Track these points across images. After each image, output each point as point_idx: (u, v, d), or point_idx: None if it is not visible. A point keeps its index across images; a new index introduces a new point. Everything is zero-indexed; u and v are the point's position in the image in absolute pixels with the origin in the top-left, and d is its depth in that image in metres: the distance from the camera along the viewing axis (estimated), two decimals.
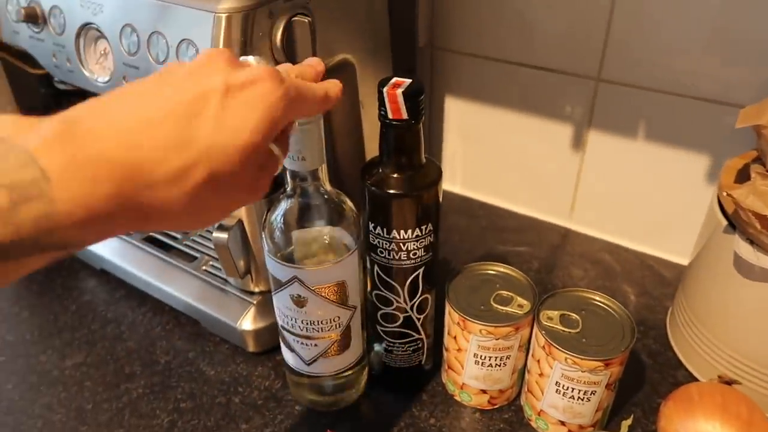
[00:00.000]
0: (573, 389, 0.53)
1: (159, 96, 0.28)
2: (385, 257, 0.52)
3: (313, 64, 0.38)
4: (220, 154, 0.28)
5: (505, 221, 0.87)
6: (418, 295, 0.54)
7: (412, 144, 0.48)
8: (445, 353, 0.60)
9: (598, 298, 0.56)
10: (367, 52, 0.66)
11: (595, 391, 0.53)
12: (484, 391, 0.59)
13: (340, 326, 0.54)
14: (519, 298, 0.56)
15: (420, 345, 0.59)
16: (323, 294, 0.51)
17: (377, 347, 0.60)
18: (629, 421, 0.52)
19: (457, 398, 0.61)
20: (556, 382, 0.53)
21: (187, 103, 0.28)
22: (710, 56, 0.65)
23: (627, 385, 0.62)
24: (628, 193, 0.78)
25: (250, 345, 0.65)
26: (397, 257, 0.51)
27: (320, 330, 0.53)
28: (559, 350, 0.51)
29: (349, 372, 0.59)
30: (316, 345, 0.55)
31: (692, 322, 0.62)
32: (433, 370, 0.63)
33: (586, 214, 0.83)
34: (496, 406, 0.60)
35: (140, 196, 0.27)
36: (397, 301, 0.54)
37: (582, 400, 0.53)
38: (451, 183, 0.93)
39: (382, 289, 0.54)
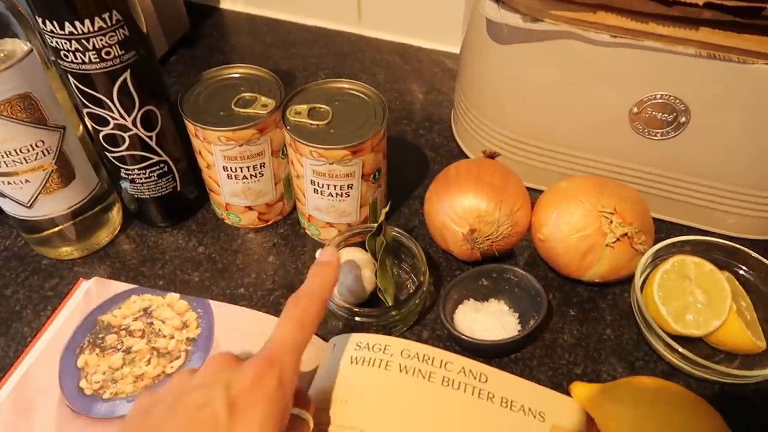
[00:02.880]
0: (328, 185, 0.49)
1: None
2: (72, 62, 0.42)
3: (323, 270, 0.39)
4: None
5: (293, 35, 0.78)
6: (137, 108, 0.46)
7: None
8: (202, 175, 0.54)
9: (351, 87, 0.51)
10: None
11: (352, 185, 0.49)
12: (250, 208, 0.54)
13: (49, 152, 0.46)
14: (263, 98, 0.49)
15: (166, 169, 0.52)
16: (4, 113, 0.42)
17: (123, 182, 0.52)
18: (386, 209, 0.49)
19: (226, 221, 0.57)
20: (311, 181, 0.49)
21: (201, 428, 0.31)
22: None
23: (409, 180, 0.60)
24: None
25: None
26: (86, 60, 0.42)
27: (24, 161, 0.45)
28: (303, 144, 0.46)
29: (95, 209, 0.52)
30: (27, 181, 0.46)
31: (465, 106, 0.59)
32: (202, 197, 0.58)
33: (374, 17, 0.76)
34: (269, 223, 0.56)
35: None
36: (113, 118, 0.46)
37: (341, 196, 0.50)
38: (232, 1, 0.82)
39: (89, 104, 0.45)
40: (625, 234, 0.46)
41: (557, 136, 0.53)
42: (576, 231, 0.47)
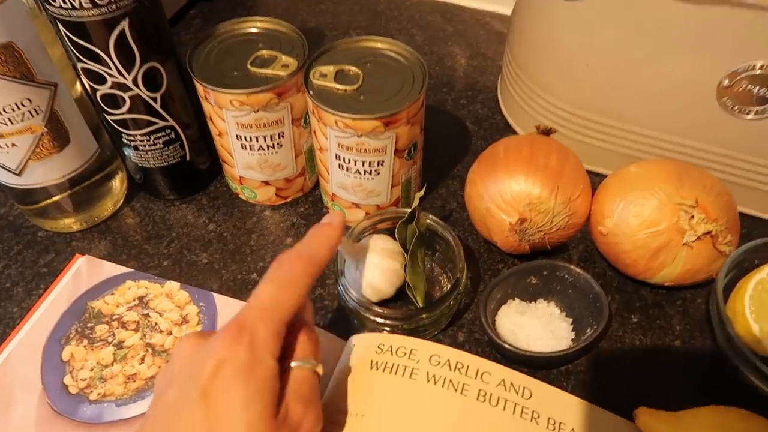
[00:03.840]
0: (355, 161, 0.42)
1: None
2: (61, 7, 0.36)
3: (322, 227, 0.34)
4: None
5: None
6: (137, 65, 0.40)
7: None
8: (215, 143, 0.48)
9: (386, 46, 0.44)
10: None
11: (383, 161, 0.42)
12: (266, 183, 0.48)
13: (38, 113, 0.40)
14: (284, 57, 0.43)
15: (173, 135, 0.45)
16: None
17: (126, 149, 0.46)
18: (421, 193, 0.42)
19: (241, 196, 0.50)
20: (336, 155, 0.42)
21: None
22: None
23: (447, 156, 0.53)
24: None
25: None
26: (77, 5, 0.36)
27: (9, 122, 0.39)
28: (328, 112, 0.39)
29: (94, 178, 0.46)
30: (14, 145, 0.41)
31: (515, 73, 0.52)
32: (214, 169, 0.52)
33: None
34: (288, 200, 0.50)
35: None
36: (110, 75, 0.40)
37: (369, 174, 0.43)
38: None
39: (83, 58, 0.39)
40: (709, 232, 0.38)
41: (627, 111, 0.45)
42: (647, 226, 0.39)
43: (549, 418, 0.35)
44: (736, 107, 0.41)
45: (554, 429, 0.35)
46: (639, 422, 0.35)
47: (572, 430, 0.35)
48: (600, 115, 0.47)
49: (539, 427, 0.35)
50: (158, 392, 0.30)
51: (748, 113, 0.41)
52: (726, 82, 0.40)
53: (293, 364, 0.31)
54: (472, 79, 0.60)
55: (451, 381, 0.36)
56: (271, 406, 0.28)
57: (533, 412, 0.35)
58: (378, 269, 0.40)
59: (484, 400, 0.35)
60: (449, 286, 0.43)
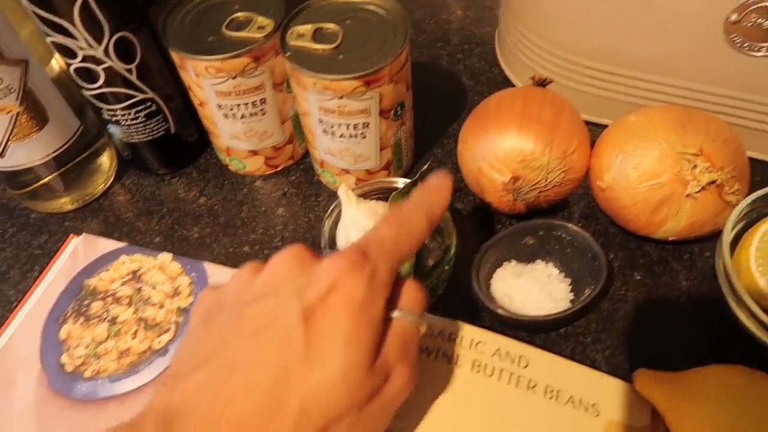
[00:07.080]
0: (339, 125, 0.40)
1: (241, 359, 0.25)
2: None
3: (438, 185, 0.31)
4: (322, 402, 0.24)
5: None
6: (107, 35, 0.38)
7: None
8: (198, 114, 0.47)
9: (367, 0, 0.41)
10: None
11: (368, 123, 0.40)
12: (254, 152, 0.47)
13: (11, 91, 0.39)
14: (260, 18, 0.41)
15: (154, 108, 0.44)
16: None
17: (109, 125, 0.45)
18: (425, 168, 0.39)
19: (230, 168, 0.49)
20: (319, 120, 0.41)
21: (268, 360, 0.25)
22: None
23: (443, 114, 0.51)
24: None
25: None
26: None
27: None
28: (305, 74, 0.38)
29: (81, 156, 0.46)
30: None
31: (510, 22, 0.49)
32: (203, 141, 0.50)
33: None
34: (278, 169, 0.49)
35: None
36: (80, 47, 0.39)
37: (356, 137, 0.41)
38: None
39: (51, 31, 0.38)
40: (713, 182, 0.36)
41: (628, 54, 0.42)
42: (647, 178, 0.37)
43: (547, 386, 0.34)
44: (746, 44, 0.38)
45: (552, 397, 0.34)
46: (638, 384, 0.33)
47: (570, 396, 0.34)
48: (601, 62, 0.44)
49: (536, 396, 0.33)
50: (240, 292, 0.27)
51: (758, 50, 0.38)
52: (734, 17, 0.37)
53: (395, 314, 0.28)
54: (469, 32, 0.57)
55: (443, 352, 0.35)
56: (371, 351, 0.26)
57: (530, 380, 0.34)
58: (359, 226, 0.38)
59: (479, 371, 0.34)
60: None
